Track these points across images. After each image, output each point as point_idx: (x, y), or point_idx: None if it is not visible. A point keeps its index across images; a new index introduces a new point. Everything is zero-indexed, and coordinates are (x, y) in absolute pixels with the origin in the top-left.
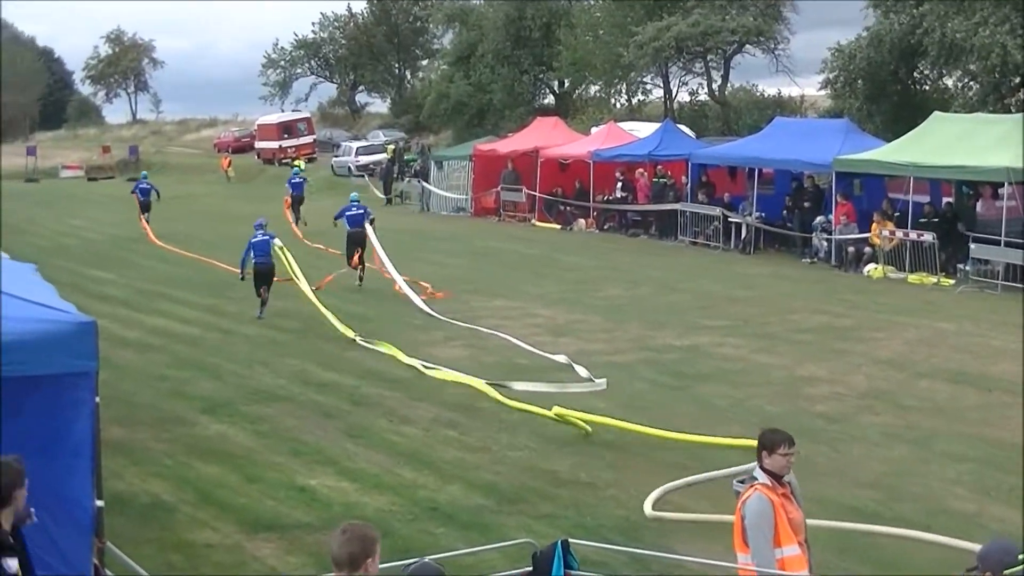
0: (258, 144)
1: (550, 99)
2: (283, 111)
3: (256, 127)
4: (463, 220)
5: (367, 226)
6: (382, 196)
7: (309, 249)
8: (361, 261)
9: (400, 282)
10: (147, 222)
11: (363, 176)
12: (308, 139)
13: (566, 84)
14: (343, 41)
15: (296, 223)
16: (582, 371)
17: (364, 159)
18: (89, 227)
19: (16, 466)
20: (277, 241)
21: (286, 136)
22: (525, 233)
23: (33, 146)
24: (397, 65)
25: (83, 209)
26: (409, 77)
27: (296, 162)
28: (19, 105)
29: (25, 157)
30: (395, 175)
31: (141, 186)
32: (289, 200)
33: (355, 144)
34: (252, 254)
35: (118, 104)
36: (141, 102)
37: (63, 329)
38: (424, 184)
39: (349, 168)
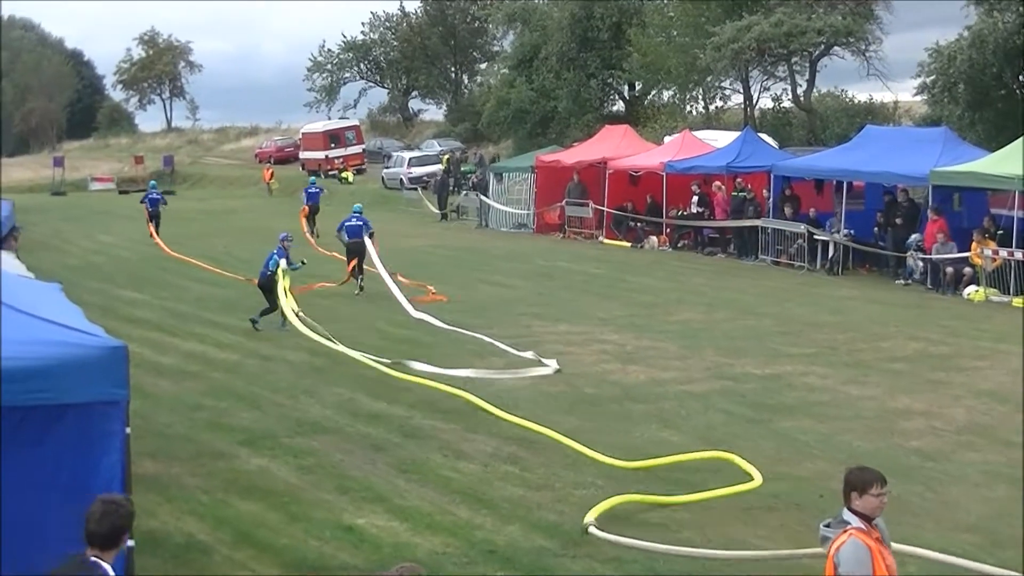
0: (303, 154)
1: (619, 106)
2: (330, 118)
3: (301, 136)
4: (524, 237)
5: (366, 239)
6: (436, 211)
7: (323, 256)
8: (360, 269)
9: (400, 297)
10: (157, 233)
11: (416, 189)
12: (357, 149)
13: (637, 89)
14: (395, 43)
15: (311, 233)
16: (550, 363)
17: (417, 171)
18: (120, 244)
19: (129, 508)
20: (282, 263)
21: (333, 145)
22: (592, 252)
23: (60, 156)
24: (453, 69)
25: (114, 225)
26: (466, 82)
27: (344, 173)
28: (46, 112)
29: (52, 168)
30: (451, 188)
31: (151, 196)
32: (306, 209)
33: (407, 154)
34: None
35: (152, 111)
36: (177, 109)
37: (91, 354)
38: (482, 198)
39: (401, 180)
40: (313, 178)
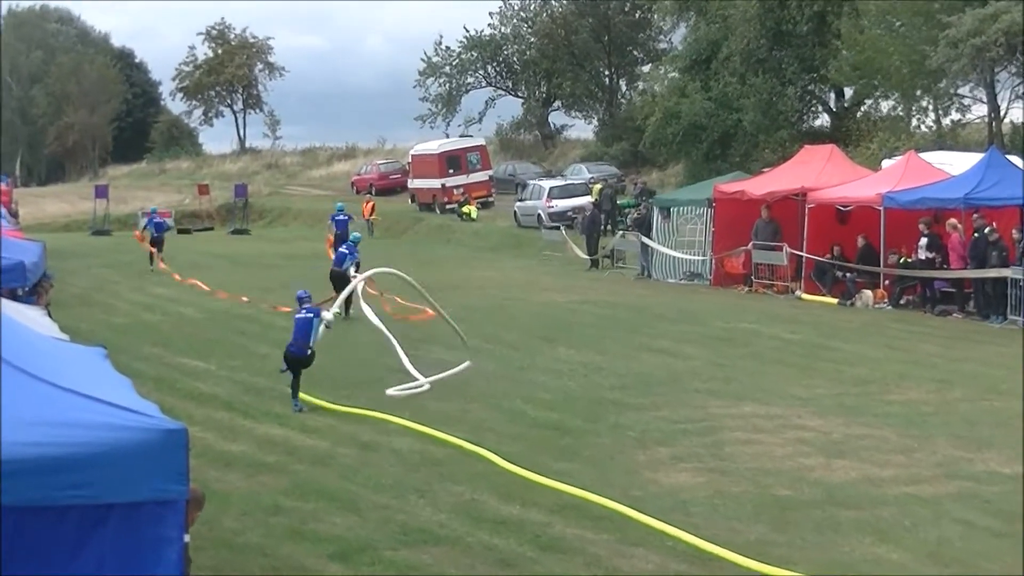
0: (412, 183)
1: (823, 119)
2: (448, 136)
3: (410, 158)
4: (699, 291)
5: (350, 268)
6: (585, 256)
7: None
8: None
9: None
10: (161, 259)
11: (558, 228)
12: (482, 176)
13: (846, 98)
14: (532, 39)
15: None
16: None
17: (561, 203)
18: (180, 298)
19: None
20: (327, 315)
21: (452, 171)
22: (787, 310)
23: (104, 185)
24: (607, 72)
25: (174, 272)
26: (624, 89)
27: (465, 208)
28: (87, 128)
29: (93, 200)
30: (603, 227)
31: (156, 220)
32: (331, 239)
33: (548, 183)
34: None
35: (220, 127)
36: (252, 124)
37: (142, 439)
38: (644, 240)
39: (539, 217)
40: (340, 204)
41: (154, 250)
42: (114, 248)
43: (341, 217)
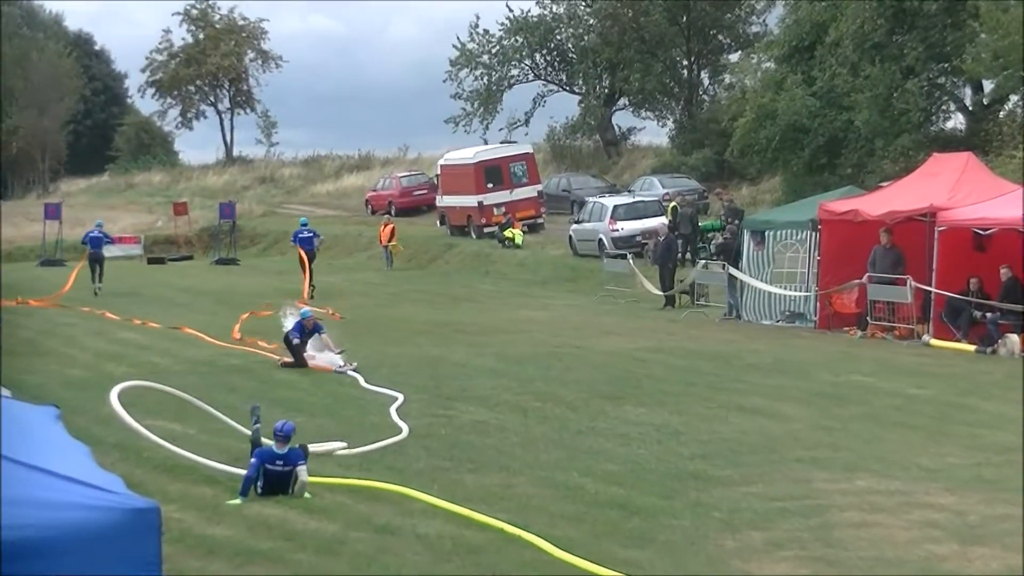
0: (442, 200)
1: (956, 121)
2: (486, 142)
3: (439, 170)
4: (801, 335)
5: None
6: (658, 292)
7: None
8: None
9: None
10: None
11: (625, 257)
12: (529, 191)
13: (985, 93)
14: (592, 21)
15: (310, 279)
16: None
17: (628, 226)
18: (152, 345)
19: None
20: (304, 474)
21: (491, 185)
22: (911, 359)
23: (56, 203)
24: (686, 63)
25: (142, 313)
26: (707, 83)
27: (509, 231)
28: (35, 133)
29: (43, 222)
30: (681, 255)
31: (92, 235)
32: (304, 256)
33: (611, 201)
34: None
35: (202, 131)
36: (242, 127)
37: (104, 521)
38: (732, 271)
39: (601, 243)
40: (304, 218)
41: (95, 277)
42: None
43: (306, 234)
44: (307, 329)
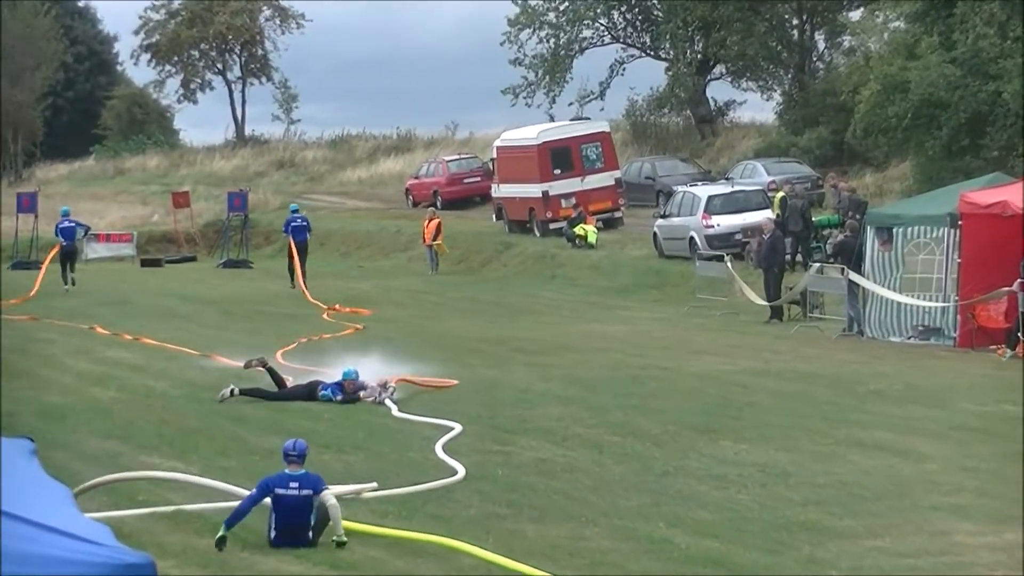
0: (498, 189)
1: None
2: (552, 118)
3: (495, 152)
4: (937, 355)
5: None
6: (762, 302)
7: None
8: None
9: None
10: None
11: (722, 259)
12: (605, 178)
13: None
14: None
15: (303, 278)
16: None
17: (725, 221)
18: (147, 365)
19: None
20: (331, 497)
21: (559, 172)
22: None
23: (31, 193)
24: (797, 22)
25: (136, 326)
26: (822, 47)
27: (580, 228)
28: (4, 107)
29: (15, 216)
30: (790, 258)
31: (62, 226)
32: (295, 248)
33: (705, 190)
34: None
35: (208, 105)
36: (256, 101)
37: None
38: (854, 277)
39: (692, 241)
40: (295, 204)
41: (66, 271)
42: (48, 288)
43: (299, 222)
44: (347, 392)
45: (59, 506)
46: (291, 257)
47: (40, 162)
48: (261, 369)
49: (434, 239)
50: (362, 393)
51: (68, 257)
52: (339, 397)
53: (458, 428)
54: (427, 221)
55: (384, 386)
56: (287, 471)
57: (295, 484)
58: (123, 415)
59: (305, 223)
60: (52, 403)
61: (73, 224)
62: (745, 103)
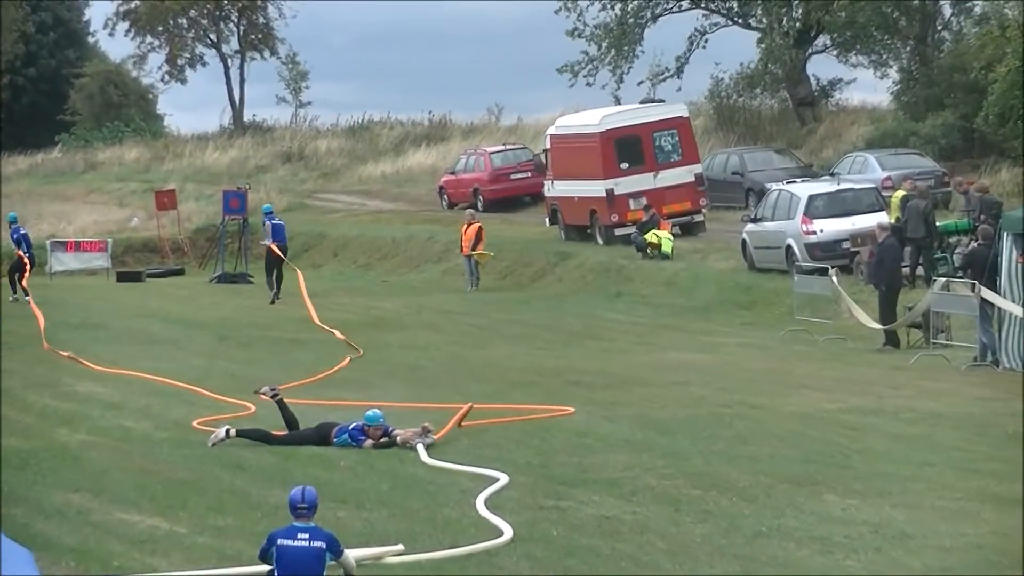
0: (552, 187)
1: None
2: (618, 101)
3: (548, 142)
4: None
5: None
6: (875, 325)
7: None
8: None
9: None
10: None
11: (827, 271)
12: (683, 174)
13: None
14: None
15: (274, 289)
16: None
17: (830, 227)
18: (126, 402)
19: None
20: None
21: (626, 165)
22: None
23: None
24: None
25: (111, 355)
26: (948, 13)
27: (653, 234)
28: None
29: None
30: (910, 269)
31: (21, 232)
32: (276, 249)
33: (805, 189)
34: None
35: (199, 84)
36: (258, 80)
37: None
38: (987, 295)
39: (789, 250)
40: (268, 204)
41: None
42: (6, 309)
43: (278, 221)
44: (371, 438)
45: (20, 573)
46: (270, 268)
47: None
48: (268, 399)
49: (474, 248)
50: (399, 436)
51: (20, 270)
52: (365, 442)
53: (503, 479)
54: (466, 226)
55: (425, 432)
56: (296, 524)
57: (304, 535)
58: (95, 463)
59: (282, 223)
60: (9, 447)
61: (22, 233)
62: (854, 82)
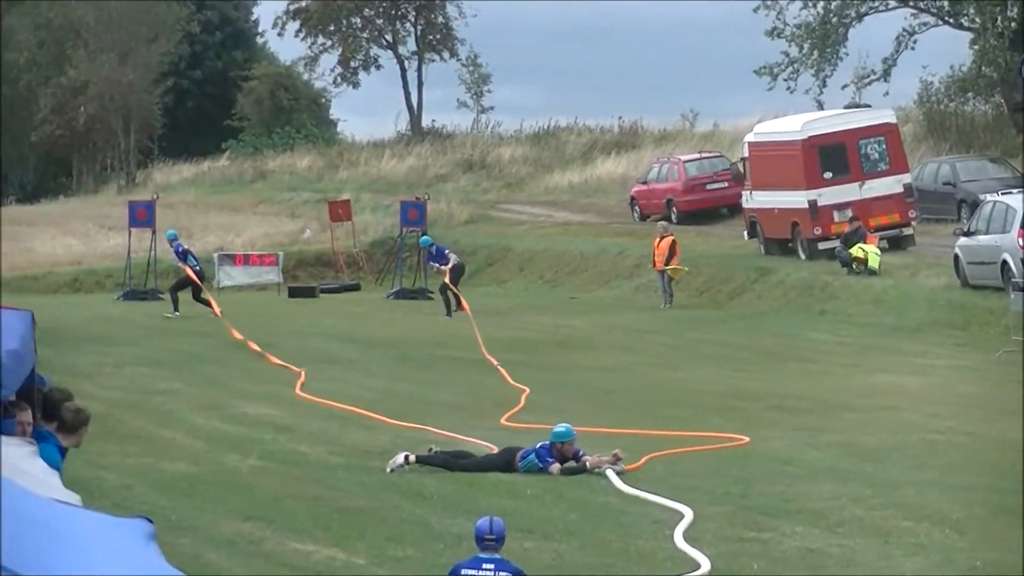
0: (750, 198)
1: None
2: (821, 105)
3: (746, 150)
4: None
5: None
6: None
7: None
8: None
9: None
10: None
11: None
12: (891, 184)
13: None
14: None
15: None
16: None
17: None
18: (299, 425)
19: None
20: None
21: (830, 175)
22: None
23: (148, 203)
24: None
25: (276, 376)
26: None
27: (859, 249)
28: (112, 94)
29: (126, 231)
30: None
31: (182, 249)
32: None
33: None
34: None
35: (373, 88)
36: (437, 84)
37: None
38: None
39: (1006, 266)
40: (427, 238)
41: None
42: (166, 326)
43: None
44: (561, 456)
45: None
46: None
47: (157, 161)
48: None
49: (667, 262)
50: (588, 461)
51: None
52: (552, 466)
53: (689, 515)
54: (659, 239)
55: (616, 460)
56: (481, 555)
57: (490, 567)
58: (267, 490)
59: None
60: (176, 473)
61: (184, 249)
62: None
